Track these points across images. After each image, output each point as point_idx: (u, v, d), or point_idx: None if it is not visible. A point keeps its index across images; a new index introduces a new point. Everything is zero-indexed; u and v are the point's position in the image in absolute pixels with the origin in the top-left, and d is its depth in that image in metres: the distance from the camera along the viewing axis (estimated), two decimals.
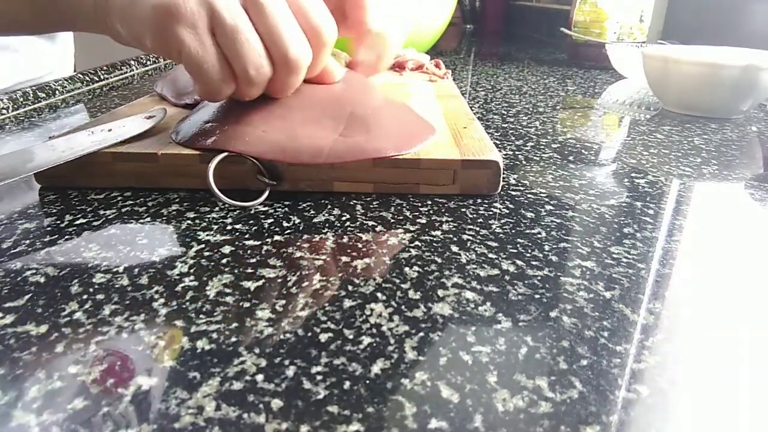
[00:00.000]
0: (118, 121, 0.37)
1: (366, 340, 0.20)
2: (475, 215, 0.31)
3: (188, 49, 0.29)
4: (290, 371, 0.18)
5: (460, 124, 0.40)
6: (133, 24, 0.30)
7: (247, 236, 0.28)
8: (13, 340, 0.20)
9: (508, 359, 0.19)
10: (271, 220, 0.30)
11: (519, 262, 0.26)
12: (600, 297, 0.23)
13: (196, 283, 0.23)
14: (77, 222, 0.29)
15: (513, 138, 0.48)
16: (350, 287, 0.23)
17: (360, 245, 0.27)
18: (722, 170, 0.40)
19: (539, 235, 0.29)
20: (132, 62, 0.77)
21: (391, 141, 0.33)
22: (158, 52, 0.31)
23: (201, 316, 0.21)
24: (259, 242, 0.27)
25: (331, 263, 0.25)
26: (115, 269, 0.24)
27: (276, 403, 0.17)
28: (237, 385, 0.17)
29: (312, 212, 0.31)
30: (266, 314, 0.21)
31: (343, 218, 0.30)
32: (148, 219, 0.30)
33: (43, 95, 0.58)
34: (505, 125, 0.52)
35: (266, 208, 0.31)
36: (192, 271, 0.24)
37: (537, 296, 0.23)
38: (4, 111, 0.52)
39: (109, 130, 0.35)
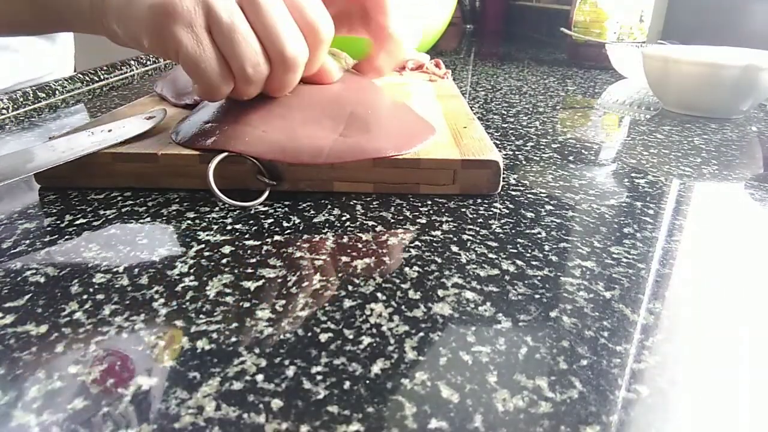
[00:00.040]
0: (118, 122, 0.37)
1: (366, 340, 0.20)
2: (475, 215, 0.31)
3: (185, 48, 0.29)
4: (290, 371, 0.18)
5: (460, 124, 0.40)
6: (129, 24, 0.30)
7: (247, 236, 0.28)
8: (13, 340, 0.20)
9: (508, 359, 0.19)
10: (271, 220, 0.30)
11: (519, 262, 0.26)
12: (600, 297, 0.23)
13: (196, 283, 0.23)
14: (77, 222, 0.29)
15: (513, 138, 0.48)
16: (350, 287, 0.23)
17: (360, 245, 0.27)
18: (722, 170, 0.40)
19: (539, 235, 0.29)
20: (132, 62, 0.77)
21: (391, 141, 0.33)
22: (155, 52, 0.31)
23: (201, 316, 0.21)
24: (259, 242, 0.27)
25: (331, 263, 0.25)
26: (115, 269, 0.24)
27: (276, 403, 0.17)
28: (237, 385, 0.17)
29: (312, 212, 0.31)
30: (266, 314, 0.21)
31: (343, 218, 0.30)
32: (148, 219, 0.30)
33: (43, 95, 0.58)
34: (505, 125, 0.52)
35: (266, 208, 0.31)
36: (192, 271, 0.24)
37: (537, 296, 0.23)
38: (4, 111, 0.52)
39: (109, 131, 0.35)
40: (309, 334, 0.20)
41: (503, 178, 0.37)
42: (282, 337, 0.20)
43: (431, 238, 0.28)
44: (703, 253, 0.27)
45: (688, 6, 1.01)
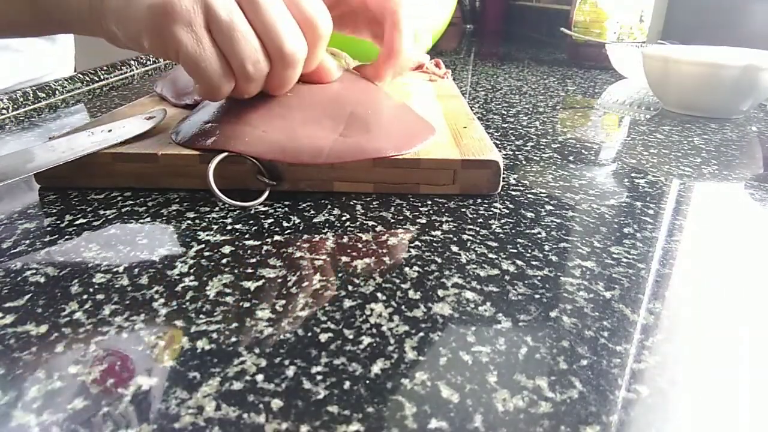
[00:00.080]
0: (118, 122, 0.37)
1: (366, 340, 0.20)
2: (475, 215, 0.31)
3: (185, 48, 0.29)
4: (290, 371, 0.18)
5: (460, 124, 0.40)
6: (129, 25, 0.30)
7: (247, 236, 0.28)
8: (13, 340, 0.20)
9: (508, 359, 0.19)
10: (271, 220, 0.30)
11: (519, 262, 0.26)
12: (600, 297, 0.23)
13: (196, 283, 0.23)
14: (77, 222, 0.29)
15: (513, 138, 0.48)
16: (350, 287, 0.23)
17: (360, 245, 0.27)
18: (722, 170, 0.40)
19: (539, 235, 0.29)
20: (132, 62, 0.77)
21: (391, 141, 0.33)
22: (156, 53, 0.31)
23: (201, 316, 0.21)
24: (259, 242, 0.27)
25: (331, 263, 0.25)
26: (115, 269, 0.24)
27: (276, 403, 0.17)
28: (237, 385, 0.17)
29: (312, 212, 0.31)
30: (266, 314, 0.21)
31: (343, 218, 0.30)
32: (148, 219, 0.30)
33: (43, 95, 0.58)
34: (505, 125, 0.52)
35: (266, 208, 0.31)
36: (192, 271, 0.24)
37: (537, 296, 0.23)
38: (4, 111, 0.52)
39: (109, 131, 0.35)
40: (309, 334, 0.20)
41: (503, 178, 0.37)
42: (282, 337, 0.20)
43: (431, 238, 0.28)
44: (703, 253, 0.27)
45: (688, 6, 1.01)
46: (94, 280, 0.23)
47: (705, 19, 0.96)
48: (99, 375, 0.18)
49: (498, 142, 0.46)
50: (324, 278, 0.24)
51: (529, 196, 0.34)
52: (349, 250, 0.26)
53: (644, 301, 0.23)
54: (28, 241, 0.27)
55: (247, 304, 0.22)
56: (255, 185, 0.32)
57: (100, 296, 0.22)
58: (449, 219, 0.30)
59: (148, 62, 0.81)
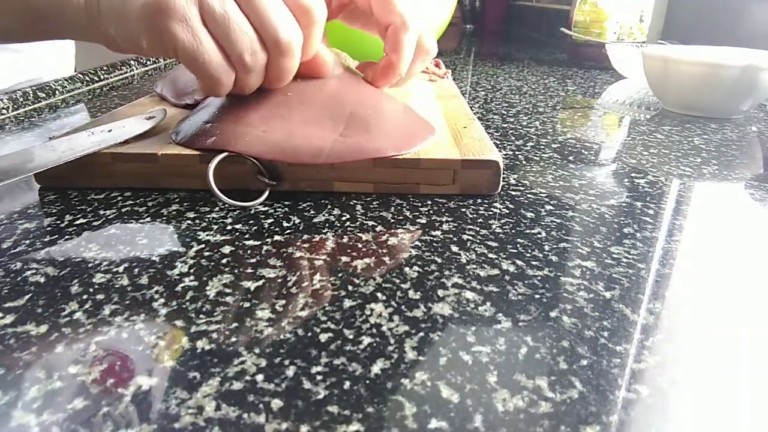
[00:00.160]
0: (118, 122, 0.37)
1: (366, 340, 0.20)
2: (475, 215, 0.31)
3: (183, 43, 0.29)
4: (290, 371, 0.18)
5: (460, 124, 0.40)
6: (126, 26, 0.31)
7: (247, 236, 0.28)
8: (13, 340, 0.20)
9: (508, 359, 0.19)
10: (271, 220, 0.30)
11: (519, 262, 0.26)
12: (600, 297, 0.23)
13: (196, 283, 0.23)
14: (77, 222, 0.29)
15: (513, 138, 0.48)
16: (350, 287, 0.23)
17: (360, 245, 0.27)
18: (722, 170, 0.40)
19: (539, 235, 0.29)
20: (132, 62, 0.77)
21: (391, 141, 0.33)
22: (155, 52, 0.31)
23: (201, 316, 0.21)
24: (259, 242, 0.27)
25: (331, 263, 0.25)
26: (115, 269, 0.24)
27: (276, 403, 0.17)
28: (237, 385, 0.17)
29: (312, 212, 0.31)
30: (266, 314, 0.21)
31: (343, 218, 0.30)
32: (148, 219, 0.30)
33: (43, 95, 0.58)
34: (505, 125, 0.52)
35: (266, 208, 0.31)
36: (192, 271, 0.24)
37: (537, 296, 0.23)
38: (4, 111, 0.52)
39: (109, 131, 0.35)
40: (309, 334, 0.20)
41: (503, 178, 0.37)
42: (282, 337, 0.20)
43: (431, 238, 0.28)
44: (703, 253, 0.27)
45: (688, 6, 1.01)
46: (94, 280, 0.23)
47: (705, 19, 0.96)
48: (99, 375, 0.18)
49: (498, 142, 0.46)
50: (324, 278, 0.24)
51: (529, 196, 0.34)
52: (349, 250, 0.26)
53: (644, 301, 0.23)
54: (28, 241, 0.27)
55: (247, 304, 0.22)
56: (255, 185, 0.32)
57: (100, 296, 0.22)
58: (449, 219, 0.30)
59: (148, 62, 0.81)
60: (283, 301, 0.22)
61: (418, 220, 0.30)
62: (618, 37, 0.91)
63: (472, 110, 0.55)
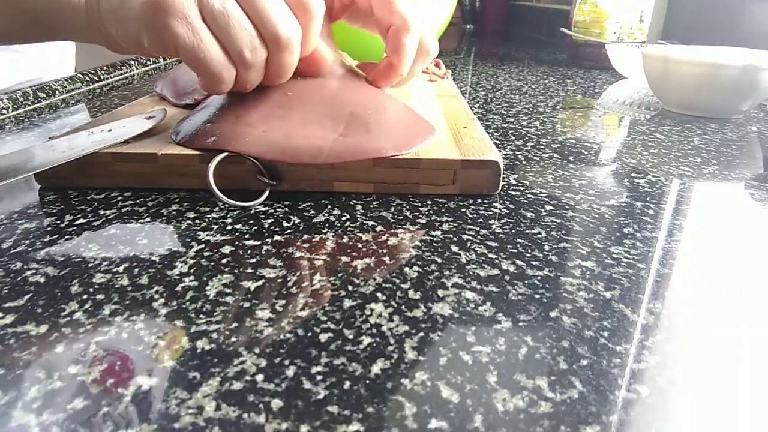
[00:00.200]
0: (118, 122, 0.37)
1: (366, 340, 0.20)
2: (475, 215, 0.31)
3: (183, 40, 0.29)
4: (290, 371, 0.18)
5: (460, 124, 0.40)
6: (126, 25, 0.31)
7: (247, 236, 0.28)
8: (13, 340, 0.20)
9: (508, 359, 0.19)
10: (271, 220, 0.30)
11: (519, 262, 0.26)
12: (600, 297, 0.23)
13: (196, 283, 0.23)
14: (77, 222, 0.29)
15: (513, 138, 0.48)
16: (350, 287, 0.23)
17: (360, 245, 0.27)
18: (722, 170, 0.40)
19: (539, 235, 0.29)
20: (132, 62, 0.77)
21: (391, 141, 0.33)
22: (155, 50, 0.31)
23: (201, 316, 0.21)
24: (259, 242, 0.27)
25: (331, 263, 0.25)
26: (115, 269, 0.24)
27: (276, 403, 0.17)
28: (237, 385, 0.17)
29: (312, 212, 0.31)
30: (266, 314, 0.21)
31: (343, 218, 0.30)
32: (148, 219, 0.30)
33: (43, 95, 0.58)
34: (505, 125, 0.52)
35: (266, 208, 0.31)
36: (192, 271, 0.24)
37: (537, 296, 0.23)
38: (4, 111, 0.52)
39: (109, 131, 0.35)
40: (309, 334, 0.20)
41: (503, 178, 0.37)
42: (282, 337, 0.20)
43: (431, 238, 0.28)
44: (703, 253, 0.27)
45: (688, 6, 1.01)
46: (94, 280, 0.23)
47: (705, 19, 0.96)
48: (99, 375, 0.18)
49: (498, 142, 0.46)
50: (324, 278, 0.24)
51: (529, 196, 0.34)
52: (349, 250, 0.26)
53: (644, 301, 0.23)
54: (28, 241, 0.27)
55: (247, 304, 0.22)
56: (255, 185, 0.32)
57: (100, 296, 0.22)
58: (449, 219, 0.30)
59: (148, 62, 0.81)
60: (283, 301, 0.22)
61: (418, 220, 0.30)
62: (618, 37, 0.91)
63: (472, 110, 0.55)
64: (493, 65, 0.95)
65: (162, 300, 0.22)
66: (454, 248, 0.27)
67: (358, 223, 0.30)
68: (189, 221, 0.29)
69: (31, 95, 0.56)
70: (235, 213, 0.30)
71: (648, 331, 0.21)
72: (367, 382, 0.18)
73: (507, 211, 0.31)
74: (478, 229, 0.29)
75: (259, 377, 0.18)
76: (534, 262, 0.26)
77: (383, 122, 0.34)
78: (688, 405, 0.17)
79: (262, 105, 0.34)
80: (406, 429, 0.16)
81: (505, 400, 0.17)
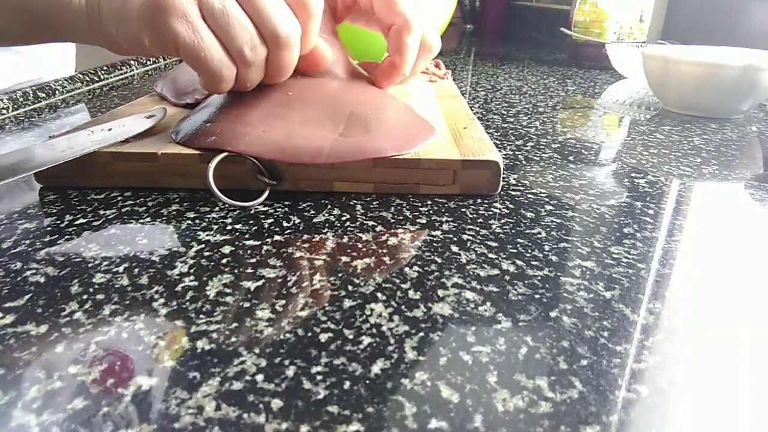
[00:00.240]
0: (117, 121, 0.37)
1: (366, 340, 0.20)
2: (475, 215, 0.31)
3: (183, 39, 0.29)
4: (290, 371, 0.18)
5: (460, 124, 0.40)
6: (127, 25, 0.31)
7: (247, 236, 0.28)
8: (13, 340, 0.20)
9: (508, 359, 0.19)
10: (271, 220, 0.30)
11: (519, 262, 0.26)
12: (600, 297, 0.23)
13: (196, 283, 0.23)
14: (77, 222, 0.29)
15: (513, 138, 0.48)
16: (350, 287, 0.23)
17: (360, 245, 0.27)
18: (722, 170, 0.40)
19: (539, 235, 0.29)
20: (132, 62, 0.77)
21: (391, 141, 0.33)
22: (156, 50, 0.31)
23: (201, 316, 0.21)
24: (259, 242, 0.27)
25: (331, 263, 0.25)
26: (115, 269, 0.24)
27: (276, 403, 0.17)
28: (237, 385, 0.17)
29: (312, 212, 0.31)
30: (266, 314, 0.21)
31: (343, 218, 0.30)
32: (148, 219, 0.30)
33: (43, 95, 0.58)
34: (505, 125, 0.52)
35: (266, 208, 0.31)
36: (192, 271, 0.24)
37: (537, 296, 0.23)
38: (4, 111, 0.52)
39: (109, 130, 0.35)
40: (309, 334, 0.20)
41: (503, 178, 0.37)
42: (282, 337, 0.20)
43: (431, 238, 0.28)
44: (703, 253, 0.27)
45: (688, 6, 1.01)
46: (94, 280, 0.23)
47: (705, 19, 0.96)
48: (99, 375, 0.18)
49: (498, 142, 0.46)
50: (324, 278, 0.24)
51: (529, 196, 0.34)
52: (349, 250, 0.26)
53: (644, 301, 0.23)
54: (28, 241, 0.27)
55: (247, 304, 0.22)
56: (255, 185, 0.32)
57: (100, 296, 0.22)
58: (449, 219, 0.30)
59: (148, 62, 0.81)
60: (283, 301, 0.22)
61: (418, 220, 0.30)
62: (618, 37, 0.91)
63: (472, 110, 0.55)
64: (493, 65, 0.95)
65: (162, 300, 0.22)
66: (454, 248, 0.27)
67: (358, 223, 0.30)
68: (189, 221, 0.29)
69: (31, 95, 0.56)
70: (235, 213, 0.30)
71: (648, 331, 0.21)
72: (367, 382, 0.18)
73: (507, 211, 0.31)
74: (478, 229, 0.29)
75: (259, 377, 0.18)
76: (534, 262, 0.26)
77: (383, 122, 0.34)
78: (688, 405, 0.17)
79: (262, 105, 0.34)
80: (406, 429, 0.16)
81: (505, 400, 0.17)
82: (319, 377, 0.18)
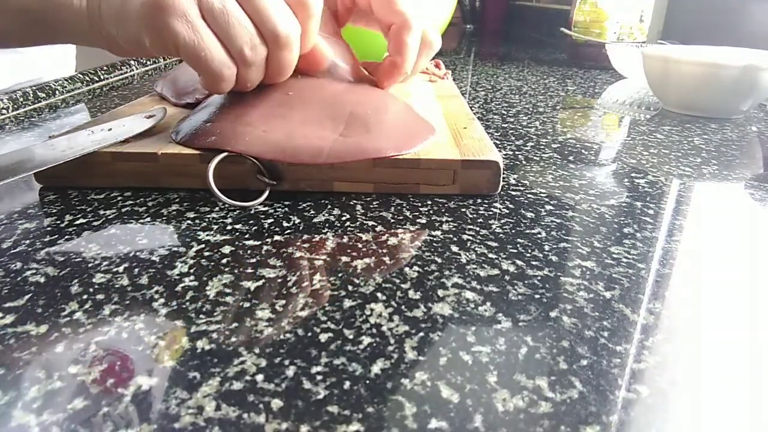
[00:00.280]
0: (117, 121, 0.37)
1: (366, 340, 0.20)
2: (475, 215, 0.31)
3: (183, 39, 0.29)
4: (290, 371, 0.18)
5: (460, 124, 0.40)
6: (127, 25, 0.31)
7: (247, 236, 0.28)
8: (13, 340, 0.20)
9: (508, 359, 0.19)
10: (271, 220, 0.30)
11: (519, 262, 0.26)
12: (600, 297, 0.23)
13: (196, 283, 0.23)
14: (77, 222, 0.29)
15: (513, 138, 0.48)
16: (350, 287, 0.23)
17: (360, 245, 0.27)
18: (722, 170, 0.40)
19: (539, 235, 0.29)
20: (132, 62, 0.77)
21: (391, 141, 0.33)
22: (156, 50, 0.31)
23: (201, 316, 0.21)
24: (259, 242, 0.27)
25: (331, 263, 0.25)
26: (115, 269, 0.24)
27: (276, 403, 0.17)
28: (237, 385, 0.17)
29: (312, 212, 0.31)
30: (266, 314, 0.21)
31: (343, 218, 0.30)
32: (148, 219, 0.30)
33: (43, 95, 0.58)
34: (505, 125, 0.52)
35: (266, 208, 0.31)
36: (192, 271, 0.24)
37: (537, 296, 0.23)
38: (4, 111, 0.52)
39: (109, 130, 0.35)
40: (309, 334, 0.20)
41: (503, 178, 0.37)
42: (282, 337, 0.20)
43: (431, 238, 0.28)
44: (703, 253, 0.27)
45: (688, 6, 1.01)
46: (94, 280, 0.23)
47: (705, 19, 0.96)
48: (99, 375, 0.18)
49: (498, 142, 0.46)
50: (324, 278, 0.24)
51: (529, 196, 0.34)
52: (349, 250, 0.26)
53: (644, 301, 0.23)
54: (28, 241, 0.27)
55: (247, 304, 0.22)
56: (255, 185, 0.32)
57: (100, 296, 0.22)
58: (449, 219, 0.30)
59: (148, 62, 0.81)
60: (283, 301, 0.22)
61: (418, 220, 0.30)
62: (618, 37, 0.91)
63: (472, 110, 0.55)
64: (493, 65, 0.95)
65: (162, 300, 0.22)
66: (454, 248, 0.27)
67: (358, 223, 0.30)
68: (189, 221, 0.29)
69: (31, 95, 0.56)
70: (235, 213, 0.30)
71: (648, 331, 0.21)
72: (367, 382, 0.18)
73: (507, 211, 0.31)
74: (478, 229, 0.29)
75: (259, 377, 0.18)
76: (534, 262, 0.26)
77: (383, 122, 0.34)
78: (688, 405, 0.17)
79: (262, 104, 0.34)
80: (406, 429, 0.16)
81: (505, 400, 0.17)
82: (319, 377, 0.18)
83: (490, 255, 0.26)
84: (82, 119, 0.52)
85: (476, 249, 0.27)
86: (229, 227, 0.29)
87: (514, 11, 1.82)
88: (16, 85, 0.63)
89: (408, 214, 0.31)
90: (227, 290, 0.23)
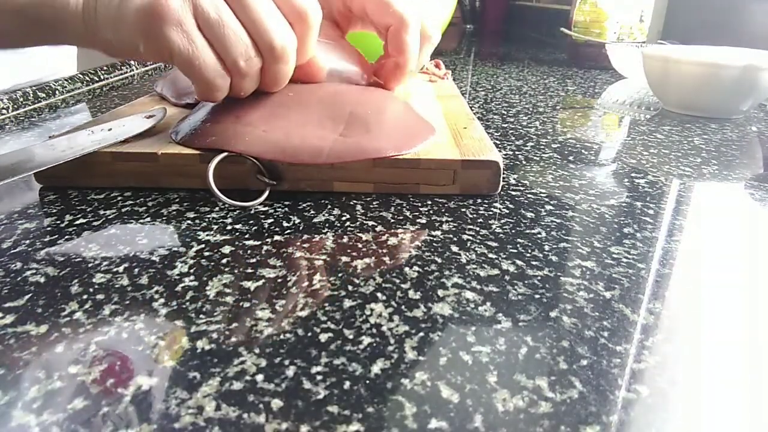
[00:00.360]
0: (117, 121, 0.37)
1: (366, 340, 0.20)
2: (475, 215, 0.31)
3: (178, 48, 0.29)
4: (290, 371, 0.18)
5: (460, 124, 0.40)
6: (122, 30, 0.30)
7: (247, 236, 0.28)
8: (13, 340, 0.20)
9: (508, 359, 0.19)
10: (271, 220, 0.30)
11: (519, 262, 0.26)
12: (600, 297, 0.23)
13: (196, 283, 0.23)
14: (77, 222, 0.29)
15: (513, 138, 0.48)
16: (350, 287, 0.23)
17: (360, 245, 0.27)
18: (722, 170, 0.40)
19: (539, 235, 0.29)
20: (132, 62, 0.77)
21: (391, 141, 0.33)
22: (151, 56, 0.31)
23: (201, 316, 0.21)
24: (259, 242, 0.27)
25: (331, 263, 0.25)
26: (115, 269, 0.24)
27: (276, 403, 0.17)
28: (237, 385, 0.17)
29: (312, 212, 0.31)
30: (266, 314, 0.21)
31: (343, 218, 0.30)
32: (148, 219, 0.30)
33: (43, 95, 0.58)
34: (505, 125, 0.52)
35: (266, 208, 0.31)
36: (192, 271, 0.24)
37: (537, 296, 0.23)
38: (4, 111, 0.52)
39: (109, 130, 0.35)
40: (309, 334, 0.20)
41: (503, 178, 0.37)
42: (282, 337, 0.20)
43: (431, 238, 0.28)
44: (703, 253, 0.27)
45: (688, 6, 1.01)
46: (94, 280, 0.23)
47: (705, 19, 0.96)
48: (99, 375, 0.18)
49: (498, 142, 0.46)
50: (324, 278, 0.24)
51: (529, 196, 0.34)
52: (349, 250, 0.26)
53: (644, 301, 0.23)
54: (28, 241, 0.27)
55: (247, 304, 0.22)
56: (255, 185, 0.32)
57: (100, 296, 0.22)
58: (449, 219, 0.30)
59: (148, 63, 0.81)
60: (283, 301, 0.22)
61: (418, 220, 0.30)
62: (618, 37, 0.91)
63: (472, 110, 0.55)
64: (493, 65, 0.95)
65: (162, 300, 0.22)
66: (454, 248, 0.27)
67: (358, 223, 0.30)
68: (189, 221, 0.29)
69: (31, 95, 0.56)
70: (235, 213, 0.30)
71: (648, 331, 0.21)
72: (367, 382, 0.18)
73: (507, 211, 0.31)
74: (478, 229, 0.29)
75: (259, 377, 0.18)
76: (534, 262, 0.26)
77: (383, 122, 0.34)
78: (688, 405, 0.17)
79: (262, 105, 0.34)
80: (406, 429, 0.16)
81: (505, 400, 0.17)
82: (319, 377, 0.18)
83: (490, 255, 0.26)
84: (82, 119, 0.52)
85: (476, 249, 0.27)
86: (229, 227, 0.29)
87: (514, 11, 1.82)
88: (16, 85, 0.63)
89: (408, 214, 0.31)
90: (227, 290, 0.23)
